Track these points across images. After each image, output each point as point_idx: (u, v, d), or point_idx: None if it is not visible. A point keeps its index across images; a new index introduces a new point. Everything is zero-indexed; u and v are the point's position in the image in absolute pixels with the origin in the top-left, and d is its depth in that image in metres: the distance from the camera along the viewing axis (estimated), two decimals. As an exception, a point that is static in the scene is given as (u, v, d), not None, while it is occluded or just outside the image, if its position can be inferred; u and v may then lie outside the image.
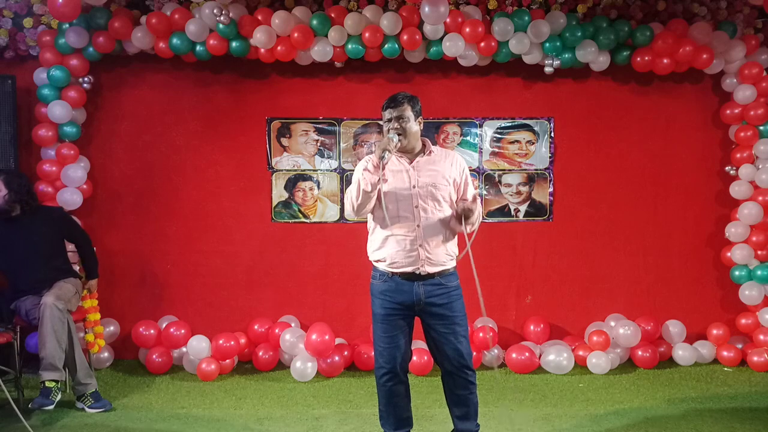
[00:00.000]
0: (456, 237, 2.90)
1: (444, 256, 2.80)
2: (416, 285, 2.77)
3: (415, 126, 2.81)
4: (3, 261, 3.75)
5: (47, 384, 3.43)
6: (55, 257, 3.83)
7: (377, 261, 2.85)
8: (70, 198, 4.21)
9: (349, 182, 4.58)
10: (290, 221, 4.65)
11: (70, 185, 4.27)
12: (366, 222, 2.96)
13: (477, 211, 2.80)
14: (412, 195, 2.77)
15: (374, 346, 2.89)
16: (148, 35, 4.19)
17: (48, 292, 3.60)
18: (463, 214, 2.74)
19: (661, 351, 4.49)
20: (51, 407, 3.42)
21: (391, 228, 2.77)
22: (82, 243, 3.99)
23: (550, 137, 4.69)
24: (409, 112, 2.79)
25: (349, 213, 2.80)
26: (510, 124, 4.68)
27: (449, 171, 2.85)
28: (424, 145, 2.88)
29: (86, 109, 4.45)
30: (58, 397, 3.51)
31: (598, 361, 4.30)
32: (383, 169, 2.70)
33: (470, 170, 3.23)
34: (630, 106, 4.69)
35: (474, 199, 2.92)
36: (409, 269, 2.76)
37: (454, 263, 2.85)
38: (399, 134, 2.75)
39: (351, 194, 2.75)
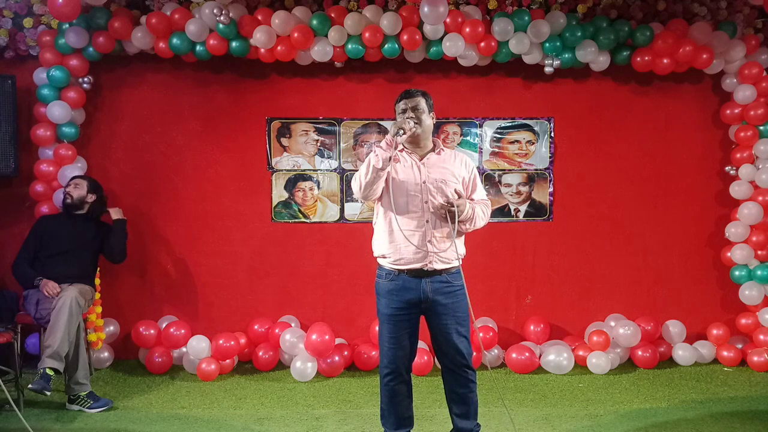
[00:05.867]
0: (463, 236, 2.90)
1: (451, 253, 2.80)
2: (423, 282, 2.77)
3: (428, 119, 2.83)
4: (48, 247, 3.90)
5: (48, 371, 3.41)
6: (89, 263, 4.01)
7: (383, 257, 2.83)
8: (60, 202, 4.19)
9: (348, 182, 4.59)
10: (290, 221, 4.65)
11: (67, 186, 4.27)
12: (368, 222, 2.96)
13: (470, 212, 2.78)
14: (422, 190, 2.78)
15: (379, 345, 2.89)
16: (148, 35, 4.19)
17: (70, 287, 3.70)
18: (448, 210, 2.72)
19: (661, 351, 4.49)
20: (49, 394, 3.42)
21: (401, 222, 2.77)
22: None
23: (550, 137, 4.69)
24: (423, 104, 2.81)
25: (356, 193, 2.77)
26: (510, 124, 4.68)
27: (459, 170, 2.87)
28: (434, 145, 2.90)
29: (86, 109, 4.45)
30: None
31: (598, 361, 4.30)
32: (396, 147, 2.70)
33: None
34: (630, 106, 4.69)
35: (480, 201, 2.92)
36: (416, 265, 2.76)
37: (459, 262, 2.84)
38: (415, 122, 2.75)
39: (360, 173, 2.72)
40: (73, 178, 4.09)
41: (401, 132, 2.68)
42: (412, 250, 2.75)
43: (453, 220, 2.72)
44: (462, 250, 2.86)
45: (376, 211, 2.91)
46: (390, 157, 2.66)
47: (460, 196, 2.80)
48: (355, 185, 2.76)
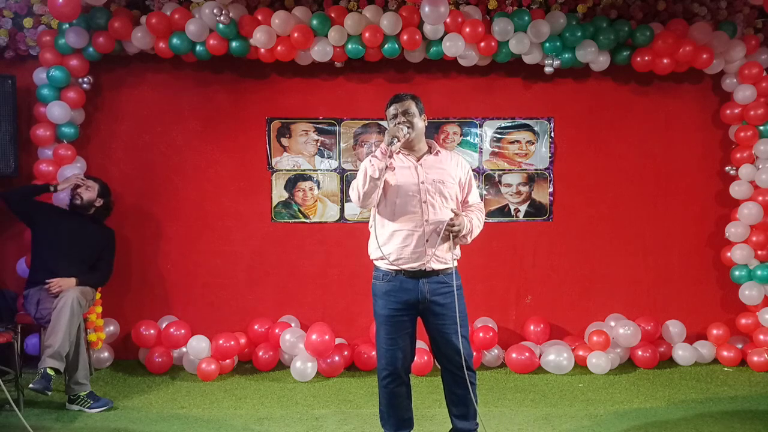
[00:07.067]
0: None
1: (448, 253, 2.80)
2: (421, 282, 2.77)
3: (420, 122, 2.83)
4: (49, 244, 3.89)
5: (48, 371, 3.40)
6: (88, 264, 3.99)
7: (380, 259, 2.83)
8: (66, 198, 4.20)
9: (348, 182, 4.60)
10: (290, 221, 4.65)
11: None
12: (368, 222, 2.96)
13: (469, 226, 2.80)
14: (420, 190, 2.77)
15: (377, 347, 2.89)
16: (148, 35, 4.19)
17: (72, 287, 3.70)
18: (449, 230, 2.74)
19: (661, 351, 4.49)
20: (49, 394, 3.42)
21: (398, 223, 2.77)
22: (101, 266, 4.05)
23: (550, 137, 4.69)
24: (414, 108, 2.81)
25: (354, 202, 2.79)
26: (510, 124, 4.68)
27: (455, 171, 2.88)
28: (430, 146, 2.91)
29: (86, 109, 4.45)
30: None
31: (598, 361, 4.30)
32: (391, 155, 2.70)
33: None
34: (630, 106, 4.69)
35: (475, 206, 2.93)
36: (414, 265, 2.76)
37: (455, 263, 2.85)
38: (408, 127, 2.76)
39: (357, 182, 2.74)
40: (86, 178, 4.07)
41: (395, 140, 2.69)
42: (410, 250, 2.75)
43: (455, 236, 2.75)
44: (456, 250, 2.87)
45: (372, 214, 2.90)
46: (386, 166, 2.67)
47: (457, 215, 2.80)
48: (354, 195, 2.77)
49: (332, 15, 4.23)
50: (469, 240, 2.86)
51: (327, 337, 4.13)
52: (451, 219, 2.76)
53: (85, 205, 3.98)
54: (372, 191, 2.70)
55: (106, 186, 4.10)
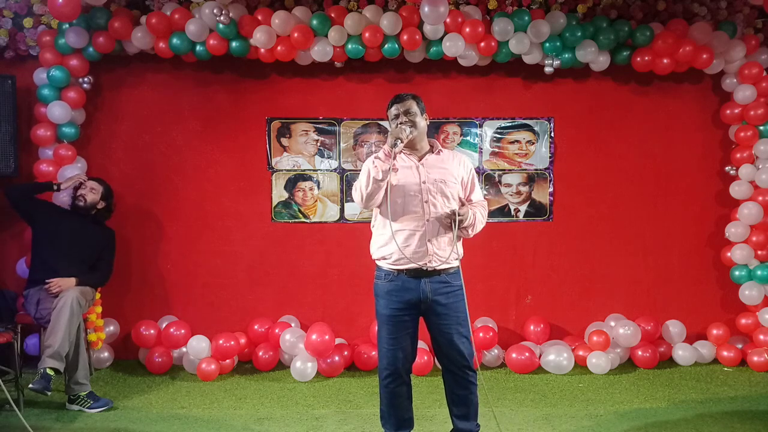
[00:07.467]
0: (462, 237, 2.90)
1: (451, 253, 2.80)
2: (423, 282, 2.77)
3: (422, 121, 2.84)
4: (49, 243, 3.89)
5: (48, 371, 3.40)
6: (88, 264, 3.99)
7: (382, 259, 2.83)
8: (67, 199, 4.20)
9: (348, 182, 4.60)
10: (290, 221, 4.65)
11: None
12: (368, 222, 2.97)
13: (472, 218, 2.80)
14: (422, 190, 2.78)
15: (378, 347, 2.89)
16: (148, 35, 4.19)
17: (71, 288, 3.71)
18: (454, 218, 2.73)
19: (661, 351, 4.49)
20: (49, 394, 3.42)
21: (400, 223, 2.77)
22: (101, 266, 4.04)
23: (550, 137, 4.69)
24: (415, 108, 2.82)
25: (358, 203, 2.80)
26: (510, 124, 4.68)
27: (457, 170, 2.88)
28: (432, 146, 2.91)
29: (86, 109, 4.45)
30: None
31: (598, 361, 4.30)
32: (395, 157, 2.70)
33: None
34: (630, 106, 4.69)
35: (479, 203, 2.94)
36: (416, 265, 2.76)
37: (458, 263, 2.85)
38: (410, 127, 2.76)
39: (360, 184, 2.75)
40: (89, 179, 4.07)
41: (399, 142, 2.69)
42: (411, 250, 2.75)
43: (458, 227, 2.74)
44: (460, 250, 2.86)
45: (374, 214, 2.91)
46: (390, 168, 2.67)
47: (463, 204, 2.80)
48: (357, 196, 2.78)
49: (332, 15, 4.23)
50: (471, 233, 2.86)
51: (327, 337, 4.13)
52: (457, 209, 2.76)
53: (87, 207, 3.98)
54: (375, 192, 2.71)
55: (109, 188, 4.10)
